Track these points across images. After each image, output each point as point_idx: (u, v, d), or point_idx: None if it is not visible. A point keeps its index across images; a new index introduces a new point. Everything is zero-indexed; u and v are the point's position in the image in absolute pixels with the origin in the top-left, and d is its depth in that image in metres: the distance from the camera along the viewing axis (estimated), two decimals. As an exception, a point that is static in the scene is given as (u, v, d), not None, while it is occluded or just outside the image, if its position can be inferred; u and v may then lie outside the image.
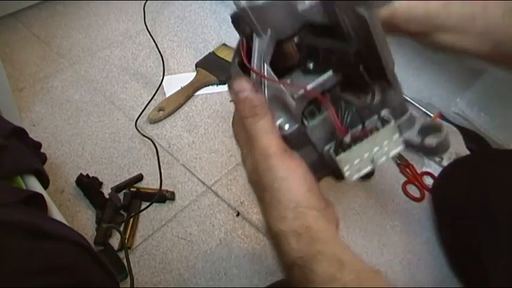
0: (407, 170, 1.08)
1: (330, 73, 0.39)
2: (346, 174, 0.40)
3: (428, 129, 0.44)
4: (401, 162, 1.09)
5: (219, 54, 1.27)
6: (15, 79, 1.15)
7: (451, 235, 0.94)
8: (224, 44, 1.30)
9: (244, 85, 0.39)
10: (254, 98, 0.38)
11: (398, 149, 0.42)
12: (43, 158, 0.85)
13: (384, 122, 0.41)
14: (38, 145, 0.84)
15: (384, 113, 0.42)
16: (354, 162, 0.40)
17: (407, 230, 0.99)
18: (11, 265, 0.47)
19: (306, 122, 0.41)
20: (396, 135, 0.41)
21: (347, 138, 0.39)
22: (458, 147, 1.11)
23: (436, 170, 1.10)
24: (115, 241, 0.88)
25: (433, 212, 1.01)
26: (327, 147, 0.41)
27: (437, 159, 1.10)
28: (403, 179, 1.08)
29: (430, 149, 0.43)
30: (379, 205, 1.03)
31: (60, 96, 1.13)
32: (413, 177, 1.07)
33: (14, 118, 1.01)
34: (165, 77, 1.20)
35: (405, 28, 0.50)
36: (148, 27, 1.32)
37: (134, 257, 0.86)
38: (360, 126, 0.41)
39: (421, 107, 1.21)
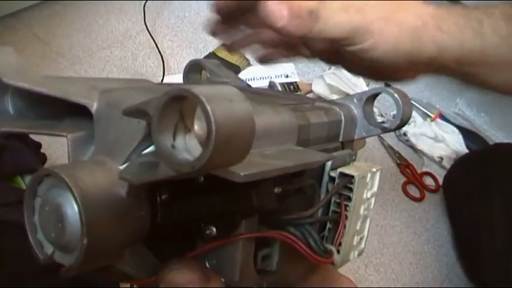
0: (407, 170, 1.08)
1: (243, 224, 0.26)
2: (351, 258, 0.31)
3: (370, 102, 0.33)
4: (401, 162, 1.09)
5: (219, 55, 1.27)
6: (15, 79, 1.15)
7: (461, 224, 0.96)
8: (224, 44, 1.30)
9: (186, 276, 0.24)
10: None
11: (378, 176, 0.32)
12: (43, 158, 0.85)
13: (345, 182, 0.30)
14: (38, 145, 0.84)
15: (336, 176, 0.30)
16: (349, 253, 0.31)
17: (407, 230, 0.99)
18: (11, 265, 0.47)
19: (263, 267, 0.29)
20: (368, 177, 0.31)
21: (336, 257, 0.29)
22: (458, 147, 1.11)
23: (436, 170, 1.10)
24: (115, 241, 0.88)
25: (444, 203, 1.03)
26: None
27: (437, 159, 1.10)
28: (403, 179, 1.08)
29: (395, 128, 0.33)
30: (379, 205, 1.03)
31: (60, 96, 1.13)
32: (413, 177, 1.07)
33: (14, 118, 1.00)
34: (165, 77, 1.20)
35: (457, 69, 0.38)
36: (148, 27, 1.32)
37: (134, 257, 0.86)
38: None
39: (421, 107, 1.21)
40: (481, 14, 0.38)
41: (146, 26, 1.32)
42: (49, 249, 0.22)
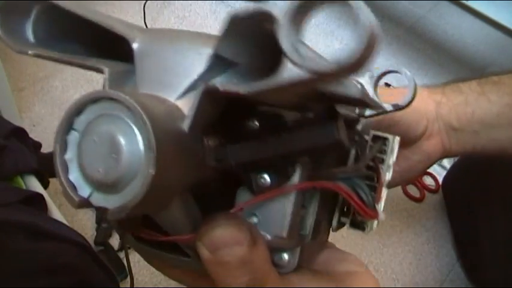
0: (407, 170, 1.08)
1: (298, 172, 0.24)
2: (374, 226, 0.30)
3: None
4: (401, 162, 1.09)
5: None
6: (15, 79, 1.15)
7: (460, 225, 0.96)
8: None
9: (233, 234, 0.21)
10: (256, 258, 0.21)
11: (397, 146, 0.32)
12: (43, 158, 0.85)
13: (381, 144, 0.30)
14: (38, 145, 0.84)
15: (369, 138, 0.30)
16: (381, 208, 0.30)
17: (407, 230, 0.99)
18: (11, 265, 0.47)
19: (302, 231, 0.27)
20: (394, 142, 0.31)
21: (382, 216, 0.28)
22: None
23: (436, 170, 1.10)
24: (115, 241, 0.88)
25: (444, 202, 1.03)
26: (340, 222, 0.30)
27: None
28: (403, 179, 1.08)
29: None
30: (379, 205, 1.03)
31: (60, 96, 1.13)
32: (413, 177, 1.07)
33: (14, 118, 1.00)
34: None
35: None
36: (149, 27, 1.32)
37: (134, 257, 0.86)
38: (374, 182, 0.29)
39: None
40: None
41: (146, 26, 1.32)
42: (85, 191, 0.19)
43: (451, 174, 1.03)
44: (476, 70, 1.37)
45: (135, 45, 0.23)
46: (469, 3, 1.19)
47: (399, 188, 1.06)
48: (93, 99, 0.20)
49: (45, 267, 0.49)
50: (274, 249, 0.25)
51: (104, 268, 0.57)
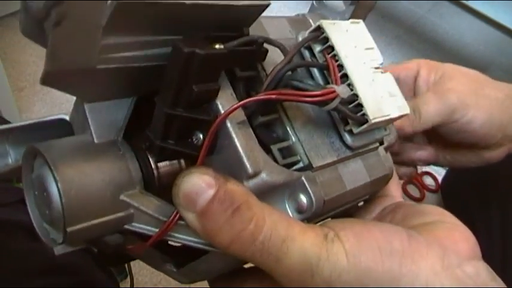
0: (407, 170, 1.08)
1: (219, 106, 0.23)
2: (389, 113, 0.27)
3: None
4: (401, 162, 1.09)
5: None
6: (15, 79, 1.15)
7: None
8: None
9: (200, 179, 0.21)
10: (232, 193, 0.21)
11: (363, 29, 0.29)
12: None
13: (316, 35, 0.28)
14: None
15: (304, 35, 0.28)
16: (376, 105, 0.27)
17: (407, 230, 0.99)
18: (11, 265, 0.47)
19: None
20: (343, 26, 0.28)
21: (343, 90, 0.24)
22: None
23: (436, 170, 1.10)
24: (115, 241, 0.88)
25: (443, 202, 1.03)
26: (348, 129, 0.27)
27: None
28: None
29: None
30: (379, 205, 1.03)
31: (60, 96, 1.13)
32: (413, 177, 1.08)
33: (14, 118, 1.01)
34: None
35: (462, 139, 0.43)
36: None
37: (134, 257, 0.86)
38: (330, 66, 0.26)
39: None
40: None
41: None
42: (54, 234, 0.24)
43: (450, 174, 1.03)
44: (476, 70, 1.37)
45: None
46: (469, 3, 1.20)
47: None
48: (28, 157, 0.24)
49: (45, 267, 0.49)
50: (289, 193, 0.24)
51: (104, 268, 0.57)
